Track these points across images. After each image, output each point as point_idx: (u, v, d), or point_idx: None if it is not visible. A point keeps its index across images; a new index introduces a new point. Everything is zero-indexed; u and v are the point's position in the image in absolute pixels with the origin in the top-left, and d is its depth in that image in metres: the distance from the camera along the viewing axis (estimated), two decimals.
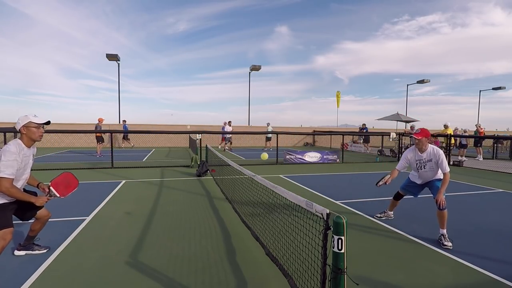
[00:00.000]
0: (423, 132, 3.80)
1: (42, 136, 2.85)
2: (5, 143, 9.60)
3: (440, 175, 3.93)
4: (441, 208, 3.67)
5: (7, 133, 10.29)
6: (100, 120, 13.82)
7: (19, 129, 2.72)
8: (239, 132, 13.76)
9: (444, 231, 3.66)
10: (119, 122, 22.02)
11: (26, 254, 3.14)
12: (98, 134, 13.09)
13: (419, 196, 4.39)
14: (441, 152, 3.80)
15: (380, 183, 4.02)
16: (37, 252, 3.17)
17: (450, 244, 3.51)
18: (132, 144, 19.58)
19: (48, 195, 2.92)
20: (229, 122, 18.01)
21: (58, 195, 2.97)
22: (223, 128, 17.80)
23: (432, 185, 3.99)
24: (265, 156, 4.39)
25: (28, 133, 2.72)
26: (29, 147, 2.79)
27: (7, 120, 18.38)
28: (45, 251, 3.21)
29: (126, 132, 13.02)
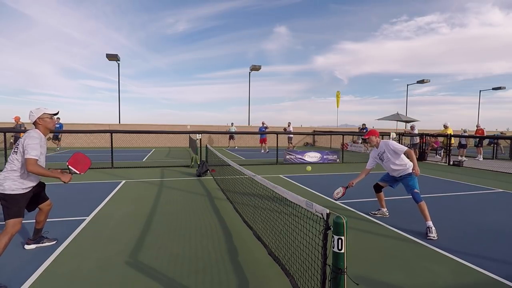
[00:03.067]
0: (370, 132, 4.53)
1: (55, 125, 3.15)
2: (5, 143, 9.61)
3: (408, 169, 4.20)
4: (417, 201, 3.95)
5: (7, 133, 10.27)
6: (16, 119, 12.72)
7: (35, 121, 2.97)
8: (239, 132, 13.75)
9: (430, 223, 3.83)
10: (119, 122, 22.02)
11: (36, 247, 3.29)
12: (20, 134, 11.79)
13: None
14: (389, 141, 4.28)
15: (340, 196, 4.45)
16: (46, 244, 3.35)
17: (433, 235, 3.69)
18: (58, 147, 16.81)
19: (69, 173, 3.12)
20: (289, 123, 18.65)
21: (77, 172, 3.21)
22: (260, 128, 18.32)
23: (405, 184, 4.22)
24: (309, 168, 4.82)
25: (44, 123, 2.99)
26: (45, 135, 3.05)
27: (7, 120, 18.39)
28: (54, 242, 3.41)
29: (58, 132, 11.25)
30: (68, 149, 17.62)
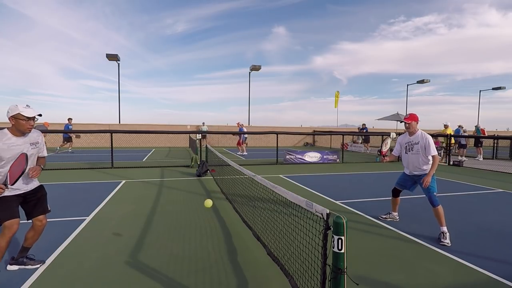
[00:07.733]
0: (412, 116, 4.09)
1: (31, 128, 2.69)
2: None
3: (429, 168, 3.94)
4: (434, 205, 3.78)
5: None
6: None
7: (8, 118, 2.61)
8: (238, 132, 13.76)
9: (444, 228, 3.70)
10: (119, 122, 22.02)
11: (19, 268, 2.84)
12: None
13: (419, 196, 4.39)
14: (429, 136, 3.99)
15: (384, 149, 4.40)
16: (29, 267, 2.86)
17: (447, 241, 3.56)
18: (70, 149, 15.40)
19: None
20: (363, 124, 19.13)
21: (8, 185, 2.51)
22: (240, 129, 15.75)
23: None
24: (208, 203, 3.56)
25: (16, 124, 2.61)
26: (17, 136, 2.66)
27: (7, 120, 18.35)
28: (38, 266, 2.90)
29: (67, 132, 10.82)
30: (63, 150, 17.60)
